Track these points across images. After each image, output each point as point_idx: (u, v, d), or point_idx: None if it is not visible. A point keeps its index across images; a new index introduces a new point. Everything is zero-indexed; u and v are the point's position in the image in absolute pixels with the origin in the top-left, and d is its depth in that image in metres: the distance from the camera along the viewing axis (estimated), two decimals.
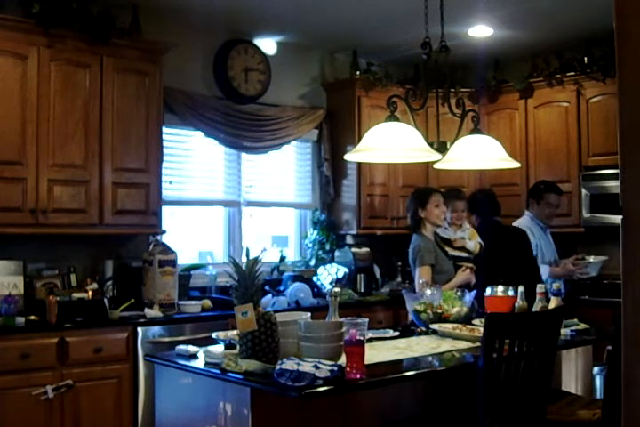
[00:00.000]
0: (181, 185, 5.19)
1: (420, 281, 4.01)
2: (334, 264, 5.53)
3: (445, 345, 3.20)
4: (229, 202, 5.48)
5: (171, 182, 5.01)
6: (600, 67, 5.28)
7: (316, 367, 2.38)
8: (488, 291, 3.75)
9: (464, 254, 4.63)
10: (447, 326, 3.42)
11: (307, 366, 2.38)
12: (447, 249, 4.51)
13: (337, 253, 5.68)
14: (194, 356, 2.89)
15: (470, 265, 4.57)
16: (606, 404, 2.84)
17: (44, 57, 4.15)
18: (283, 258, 5.49)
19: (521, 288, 3.61)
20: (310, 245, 5.78)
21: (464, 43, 5.39)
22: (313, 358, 2.51)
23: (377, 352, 2.97)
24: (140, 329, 4.15)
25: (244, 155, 5.51)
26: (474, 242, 4.74)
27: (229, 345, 2.91)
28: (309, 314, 2.83)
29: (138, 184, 4.52)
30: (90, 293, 4.23)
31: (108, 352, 4.01)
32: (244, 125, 5.34)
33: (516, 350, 2.64)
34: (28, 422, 3.73)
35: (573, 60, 5.54)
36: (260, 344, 2.54)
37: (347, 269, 5.45)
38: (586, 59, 5.43)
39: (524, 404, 2.70)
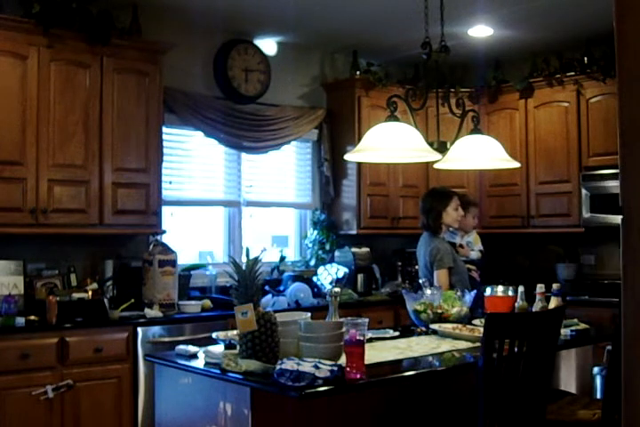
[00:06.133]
0: (181, 185, 5.19)
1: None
2: (334, 264, 5.53)
3: (445, 345, 3.19)
4: (229, 202, 5.48)
5: (171, 182, 5.01)
6: (600, 67, 5.27)
7: (316, 367, 2.38)
8: (488, 291, 3.75)
9: (463, 257, 4.67)
10: (447, 326, 3.42)
11: (307, 366, 2.38)
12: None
13: (337, 253, 5.68)
14: (194, 356, 2.89)
15: (474, 267, 4.60)
16: (606, 404, 2.85)
17: (44, 57, 4.15)
18: (283, 258, 5.49)
19: (521, 288, 3.61)
20: (310, 245, 5.78)
21: (464, 43, 5.39)
22: (313, 358, 2.51)
23: (377, 352, 2.97)
24: (139, 329, 4.15)
25: (243, 155, 5.51)
26: (476, 251, 4.77)
27: (229, 345, 2.91)
28: (309, 314, 2.83)
29: (138, 184, 4.52)
30: (90, 293, 4.23)
31: (107, 352, 4.01)
32: (244, 125, 5.34)
33: (515, 350, 2.64)
34: (28, 423, 3.73)
35: (573, 60, 5.53)
36: (260, 344, 2.54)
37: (347, 269, 5.44)
38: (586, 59, 5.43)
39: (524, 404, 2.70)
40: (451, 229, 4.55)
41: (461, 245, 4.74)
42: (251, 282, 2.60)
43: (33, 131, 4.11)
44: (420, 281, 3.91)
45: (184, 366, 2.79)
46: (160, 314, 4.32)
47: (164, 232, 4.70)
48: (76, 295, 4.16)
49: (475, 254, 4.76)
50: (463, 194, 5.32)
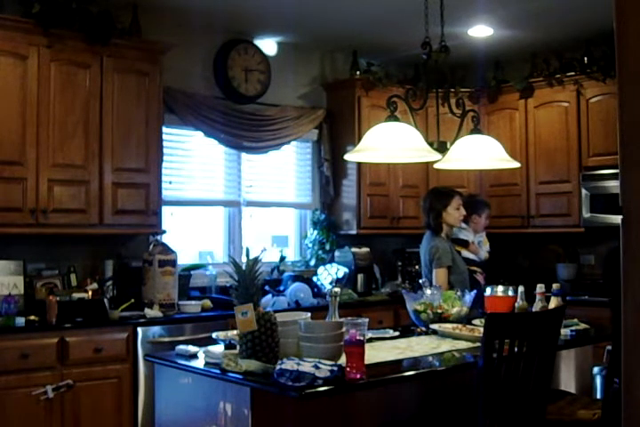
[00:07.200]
0: (181, 185, 5.19)
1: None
2: (334, 264, 5.53)
3: (445, 345, 3.20)
4: (229, 202, 5.48)
5: (171, 182, 5.01)
6: (600, 67, 5.27)
7: (316, 367, 2.38)
8: (488, 291, 3.75)
9: (472, 256, 4.68)
10: (447, 326, 3.42)
11: (307, 366, 2.38)
12: (460, 250, 4.54)
13: (337, 253, 5.68)
14: (194, 356, 2.89)
15: (480, 270, 4.61)
16: (606, 404, 2.84)
17: (44, 57, 4.15)
18: (283, 258, 5.49)
19: (521, 288, 3.61)
20: (310, 245, 5.78)
21: (464, 43, 5.38)
22: (313, 358, 2.51)
23: (377, 352, 2.97)
24: (140, 329, 4.15)
25: (243, 155, 5.51)
26: (484, 251, 4.80)
27: (229, 345, 2.91)
28: (309, 314, 2.83)
29: (138, 184, 4.52)
30: (90, 293, 4.23)
31: (107, 352, 4.01)
32: (244, 125, 5.34)
33: (515, 350, 2.64)
34: (28, 423, 3.73)
35: (573, 60, 5.53)
36: (260, 344, 2.54)
37: (347, 269, 5.45)
38: (586, 59, 5.42)
39: (524, 404, 2.70)
40: (458, 226, 4.56)
41: (473, 242, 4.76)
42: (251, 282, 2.60)
43: (33, 131, 4.11)
44: (420, 281, 3.92)
45: (184, 366, 2.79)
46: (160, 314, 4.32)
47: (164, 232, 4.70)
48: (76, 295, 4.16)
49: (484, 254, 4.80)
50: (475, 194, 5.36)
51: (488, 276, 4.70)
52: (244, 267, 2.61)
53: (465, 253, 4.62)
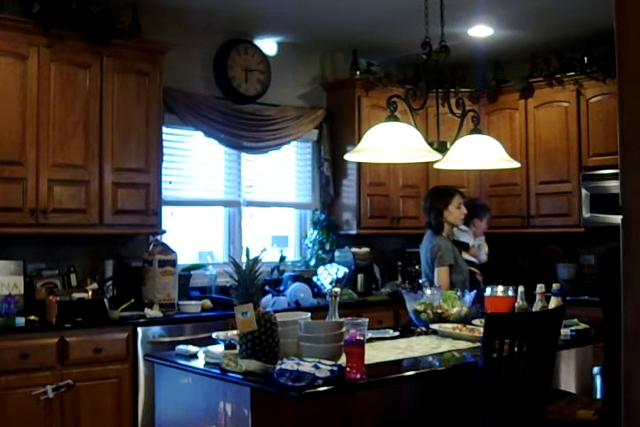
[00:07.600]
0: (181, 185, 5.19)
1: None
2: (334, 264, 5.53)
3: (445, 345, 3.20)
4: (229, 202, 5.48)
5: (171, 182, 5.01)
6: (600, 67, 5.27)
7: (316, 367, 2.38)
8: (488, 291, 3.75)
9: (472, 259, 4.68)
10: (447, 326, 3.42)
11: (307, 366, 2.38)
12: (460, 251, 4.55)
13: (337, 253, 5.68)
14: (194, 356, 2.89)
15: (478, 272, 4.61)
16: (606, 404, 2.84)
17: (44, 57, 4.15)
18: (283, 258, 5.49)
19: (521, 288, 3.61)
20: (310, 245, 5.78)
21: (464, 43, 5.39)
22: (313, 358, 2.51)
23: (377, 352, 2.97)
24: (140, 329, 4.15)
25: (243, 155, 5.51)
26: (484, 254, 4.82)
27: (229, 345, 2.91)
28: (309, 314, 2.83)
29: (138, 184, 4.53)
30: (90, 293, 4.23)
31: (107, 352, 4.01)
32: (244, 125, 5.35)
33: (515, 350, 2.64)
34: (28, 423, 3.73)
35: (573, 60, 5.53)
36: (260, 344, 2.54)
37: (347, 269, 5.45)
38: (586, 59, 5.42)
39: (524, 404, 2.70)
40: (459, 227, 4.56)
41: (473, 246, 4.77)
42: (251, 282, 2.60)
43: (33, 131, 4.11)
44: (420, 281, 3.92)
45: (184, 366, 2.79)
46: (160, 314, 4.32)
47: (164, 232, 4.70)
48: (76, 295, 4.16)
49: (483, 257, 4.81)
50: (475, 198, 5.38)
51: (487, 276, 4.71)
52: (244, 267, 2.61)
53: (465, 256, 4.63)
